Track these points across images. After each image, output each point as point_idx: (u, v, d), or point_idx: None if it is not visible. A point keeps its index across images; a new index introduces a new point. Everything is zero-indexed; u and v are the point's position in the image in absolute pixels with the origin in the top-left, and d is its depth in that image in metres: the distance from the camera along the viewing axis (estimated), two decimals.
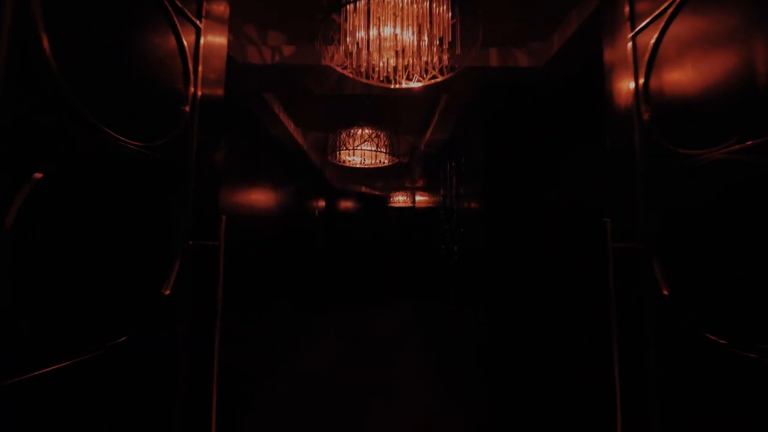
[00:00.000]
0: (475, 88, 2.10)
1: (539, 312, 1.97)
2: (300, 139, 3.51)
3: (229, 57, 1.90)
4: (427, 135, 3.19)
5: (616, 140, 0.94)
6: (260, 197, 2.93)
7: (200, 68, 0.97)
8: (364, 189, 6.61)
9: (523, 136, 2.03)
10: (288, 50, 1.93)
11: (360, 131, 2.75)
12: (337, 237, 6.35)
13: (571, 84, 1.89)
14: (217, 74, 1.09)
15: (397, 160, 3.03)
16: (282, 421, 2.34)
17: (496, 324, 1.99)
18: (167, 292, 0.81)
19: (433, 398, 2.71)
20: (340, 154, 3.06)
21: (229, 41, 1.88)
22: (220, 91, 1.11)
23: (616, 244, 0.87)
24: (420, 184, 5.30)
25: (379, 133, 2.77)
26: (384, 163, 3.11)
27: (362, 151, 3.10)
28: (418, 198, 5.57)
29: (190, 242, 0.89)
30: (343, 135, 2.80)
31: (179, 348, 0.86)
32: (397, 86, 1.57)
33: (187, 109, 0.90)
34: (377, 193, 6.80)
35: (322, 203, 6.07)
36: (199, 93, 0.97)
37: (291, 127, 3.16)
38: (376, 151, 2.73)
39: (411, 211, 6.69)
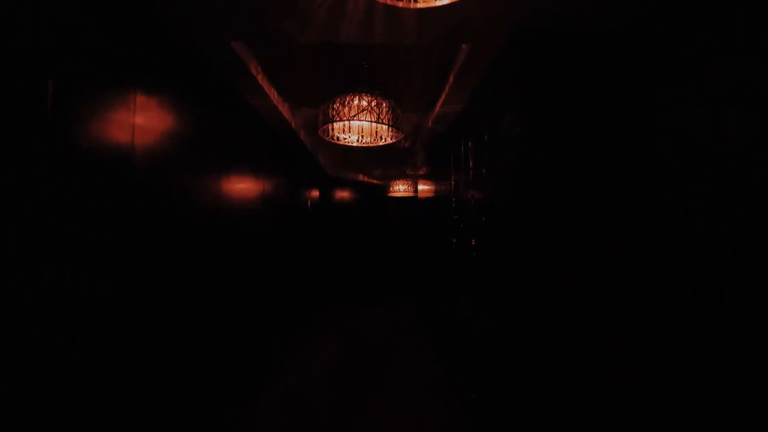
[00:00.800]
0: (511, 28, 1.59)
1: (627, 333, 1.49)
2: (287, 114, 2.99)
3: None
4: (438, 106, 2.68)
5: None
6: (242, 186, 2.43)
7: None
8: (361, 177, 6.09)
9: (580, 96, 1.53)
10: None
11: (357, 99, 2.24)
12: (332, 231, 5.85)
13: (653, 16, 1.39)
14: None
15: (402, 136, 2.52)
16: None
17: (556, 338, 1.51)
18: None
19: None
20: (333, 128, 2.55)
21: None
22: None
23: None
24: (423, 171, 4.80)
25: (381, 101, 2.26)
26: (386, 140, 2.61)
27: (360, 125, 2.60)
28: (420, 187, 5.08)
29: None
30: (337, 104, 2.29)
31: None
32: (414, 4, 1.07)
33: None
34: (375, 181, 6.29)
35: (315, 193, 5.58)
36: None
37: (274, 96, 2.64)
38: (377, 122, 2.22)
39: (412, 201, 6.20)
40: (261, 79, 2.31)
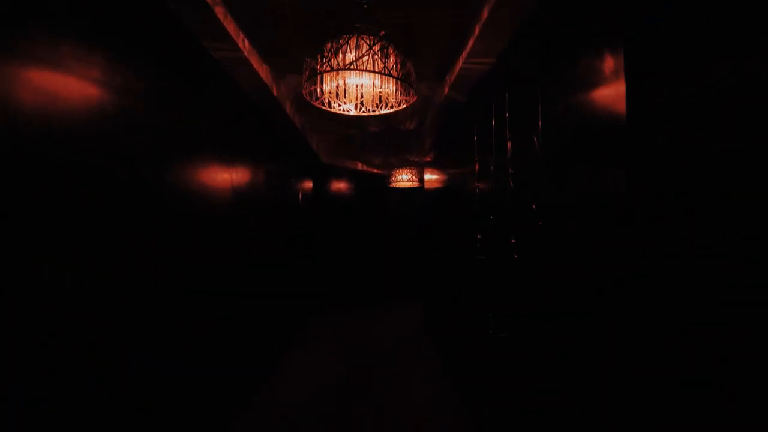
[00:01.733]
0: None
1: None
2: (266, 77, 2.36)
3: None
4: (460, 61, 2.05)
5: None
6: (207, 176, 1.81)
7: None
8: (360, 166, 5.47)
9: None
10: None
11: (356, 42, 1.62)
12: (330, 227, 5.24)
13: None
14: None
15: (414, 99, 1.91)
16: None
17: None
18: None
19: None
20: (322, 91, 1.92)
21: None
22: None
23: None
24: (431, 157, 4.18)
25: (387, 46, 1.64)
26: (392, 106, 1.99)
27: (358, 88, 1.97)
28: (427, 176, 4.46)
29: None
30: (328, 52, 1.67)
31: None
32: None
33: None
34: (375, 170, 5.66)
35: (308, 184, 4.96)
36: None
37: (246, 47, 2.01)
38: (381, 73, 1.60)
39: (417, 192, 5.59)
40: (222, 14, 1.68)
